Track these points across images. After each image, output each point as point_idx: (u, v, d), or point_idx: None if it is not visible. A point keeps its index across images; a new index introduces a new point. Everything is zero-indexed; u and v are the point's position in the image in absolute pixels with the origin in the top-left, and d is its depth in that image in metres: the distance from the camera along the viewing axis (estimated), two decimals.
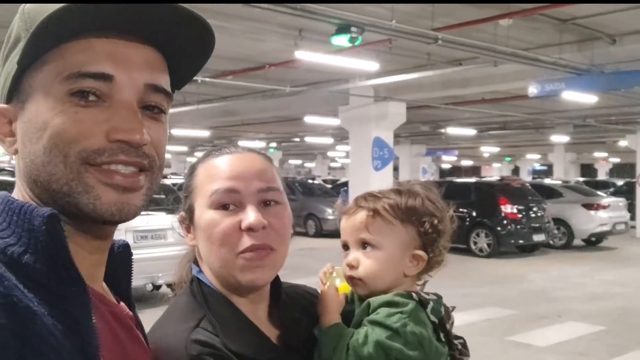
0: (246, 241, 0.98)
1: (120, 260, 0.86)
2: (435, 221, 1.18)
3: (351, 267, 1.16)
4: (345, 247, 1.21)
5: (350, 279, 1.17)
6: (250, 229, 0.98)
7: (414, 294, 1.14)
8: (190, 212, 1.06)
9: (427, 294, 1.17)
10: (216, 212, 1.01)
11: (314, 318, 1.13)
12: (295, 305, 1.14)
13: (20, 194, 0.75)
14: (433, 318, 1.12)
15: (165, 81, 0.77)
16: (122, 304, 0.85)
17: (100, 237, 0.77)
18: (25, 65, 0.71)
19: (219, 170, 1.03)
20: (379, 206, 1.17)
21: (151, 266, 7.39)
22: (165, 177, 19.93)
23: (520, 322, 7.51)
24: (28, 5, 0.75)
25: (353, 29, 7.07)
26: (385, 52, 9.98)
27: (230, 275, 1.01)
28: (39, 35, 0.67)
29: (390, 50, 9.78)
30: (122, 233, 7.43)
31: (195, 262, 1.09)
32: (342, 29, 7.16)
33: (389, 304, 1.11)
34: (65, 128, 0.69)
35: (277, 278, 1.10)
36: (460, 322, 6.67)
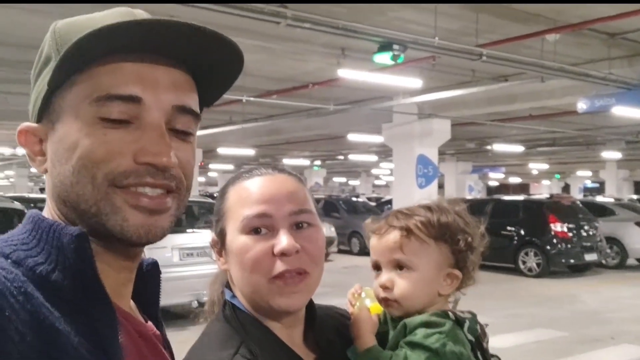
0: (279, 266, 0.97)
1: (148, 279, 0.86)
2: (469, 238, 1.16)
3: (385, 288, 1.14)
4: (377, 267, 1.18)
5: (385, 301, 1.15)
6: (283, 254, 0.97)
7: (449, 313, 1.12)
8: (221, 236, 1.05)
9: (462, 312, 1.15)
10: (248, 237, 0.99)
11: (348, 339, 1.12)
12: (328, 327, 1.13)
13: (49, 212, 0.75)
14: (470, 337, 1.10)
15: (193, 102, 0.77)
16: (149, 323, 0.85)
17: (128, 256, 0.77)
18: (55, 86, 0.72)
19: (250, 193, 1.02)
20: (412, 224, 1.14)
21: (196, 283, 7.48)
22: (212, 195, 20.25)
23: (571, 344, 7.26)
24: (59, 24, 0.76)
25: (395, 46, 7.09)
26: (428, 69, 9.94)
27: (263, 300, 0.99)
28: (68, 58, 0.68)
29: (434, 67, 9.73)
30: (169, 250, 7.57)
31: (228, 286, 1.07)
32: (385, 47, 7.18)
33: (426, 324, 1.09)
34: (93, 149, 0.69)
35: (310, 301, 1.08)
36: (509, 344, 6.49)
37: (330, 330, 1.12)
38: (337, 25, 6.58)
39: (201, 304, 8.24)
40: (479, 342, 1.12)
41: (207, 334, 1.04)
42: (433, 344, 1.05)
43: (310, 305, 1.09)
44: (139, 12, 0.76)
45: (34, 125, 0.76)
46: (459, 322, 1.11)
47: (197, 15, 7.17)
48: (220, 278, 1.11)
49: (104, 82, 0.70)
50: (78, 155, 0.70)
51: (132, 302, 0.83)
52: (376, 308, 1.17)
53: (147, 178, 0.71)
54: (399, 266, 1.15)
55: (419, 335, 1.08)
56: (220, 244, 1.06)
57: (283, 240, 0.97)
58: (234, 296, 1.05)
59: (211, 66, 0.78)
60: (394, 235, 1.15)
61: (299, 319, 1.07)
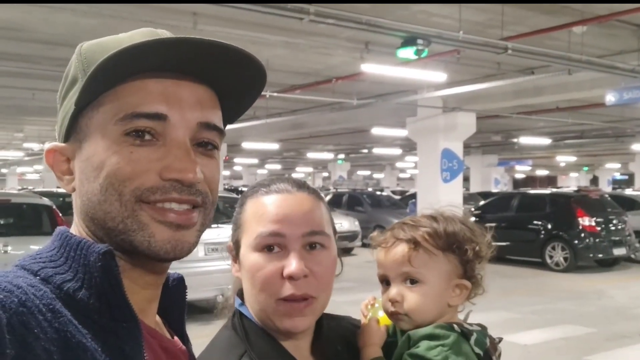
0: (287, 289, 0.98)
1: (174, 294, 0.86)
2: (477, 247, 1.15)
3: (395, 302, 1.13)
4: (385, 280, 1.17)
5: (394, 315, 1.14)
6: (291, 277, 0.97)
7: (455, 326, 1.11)
8: (237, 246, 1.06)
9: (471, 324, 1.14)
10: (260, 254, 1.00)
11: (356, 350, 1.12)
12: (337, 338, 1.13)
13: (77, 230, 0.77)
14: (477, 350, 1.09)
15: (217, 118, 0.78)
16: (175, 338, 0.85)
17: (155, 272, 0.78)
18: (82, 106, 0.74)
19: (266, 211, 1.02)
20: (419, 236, 1.13)
21: (221, 278, 7.54)
22: (237, 189, 20.38)
23: (599, 341, 7.16)
24: (85, 45, 0.77)
25: (419, 41, 7.04)
26: (453, 62, 9.86)
27: (269, 319, 1.01)
28: (95, 77, 0.70)
29: (459, 60, 9.65)
30: None
31: (239, 294, 1.09)
32: (408, 41, 7.14)
33: (429, 336, 1.09)
34: (120, 167, 0.71)
35: None
36: (536, 340, 6.44)
37: (338, 341, 1.13)
38: (361, 20, 6.55)
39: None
40: (488, 356, 1.11)
41: (214, 341, 1.06)
42: (435, 356, 1.06)
43: (319, 317, 1.09)
44: (162, 32, 0.78)
45: (62, 144, 0.77)
46: (464, 334, 1.10)
47: (223, 13, 7.22)
48: (236, 284, 1.12)
49: (130, 101, 0.72)
50: (105, 173, 0.71)
51: (158, 318, 0.84)
52: (386, 319, 1.17)
53: (173, 194, 0.72)
54: (408, 279, 1.14)
55: (422, 347, 1.08)
56: (235, 252, 1.08)
57: (292, 263, 0.98)
58: (242, 304, 1.07)
59: (234, 83, 0.79)
60: (402, 248, 1.14)
61: (307, 331, 1.07)
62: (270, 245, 1.00)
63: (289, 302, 0.98)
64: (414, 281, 1.13)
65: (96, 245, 0.71)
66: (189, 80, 0.75)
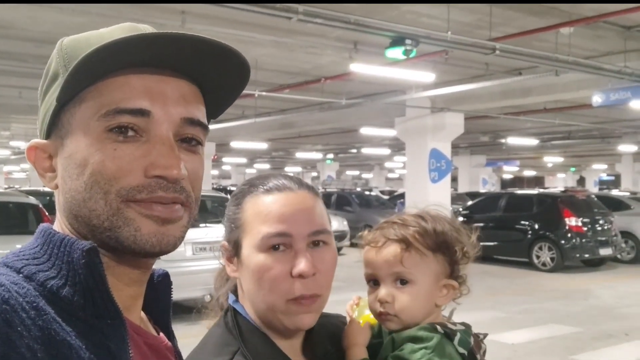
0: (297, 289, 0.98)
1: (159, 290, 0.86)
2: (465, 248, 1.15)
3: (384, 302, 1.12)
4: (372, 280, 1.16)
5: (382, 315, 1.13)
6: (301, 276, 0.98)
7: (438, 327, 1.10)
8: (236, 246, 1.05)
9: (454, 324, 1.14)
10: (266, 255, 0.99)
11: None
12: (328, 336, 1.13)
13: (60, 227, 0.76)
14: (462, 350, 1.09)
15: (201, 113, 0.77)
16: (161, 334, 0.85)
17: (140, 269, 0.77)
18: (63, 102, 0.73)
19: (270, 210, 1.01)
20: (410, 236, 1.12)
21: (209, 278, 7.43)
22: (225, 189, 20.30)
23: (585, 340, 7.22)
24: (66, 41, 0.76)
25: (407, 41, 7.05)
26: (441, 62, 9.89)
27: (276, 318, 1.01)
28: (76, 74, 0.69)
29: (447, 61, 9.68)
30: (182, 245, 7.58)
31: (232, 291, 1.08)
32: (397, 41, 7.15)
33: (413, 339, 1.09)
34: (105, 165, 0.70)
35: None
36: (522, 339, 6.47)
37: (329, 339, 1.13)
38: (349, 20, 6.56)
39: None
40: (472, 355, 1.11)
41: (206, 339, 1.05)
42: (418, 359, 1.05)
43: None
44: (144, 27, 0.77)
45: (43, 141, 0.76)
46: (448, 335, 1.10)
47: (211, 11, 7.19)
48: (223, 276, 1.11)
49: (112, 97, 0.71)
50: (90, 171, 0.70)
51: (143, 314, 0.83)
52: (371, 319, 1.16)
53: (158, 192, 0.71)
54: (399, 280, 1.13)
55: (406, 350, 1.08)
56: (232, 253, 1.06)
57: (301, 262, 0.98)
58: (236, 301, 1.06)
59: (218, 77, 0.78)
60: (394, 249, 1.13)
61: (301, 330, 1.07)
62: (276, 245, 0.99)
63: (299, 302, 0.99)
64: (404, 281, 1.12)
65: (80, 242, 0.70)
66: (171, 76, 0.74)
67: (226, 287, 1.12)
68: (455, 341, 1.09)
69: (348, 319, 1.19)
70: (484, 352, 1.15)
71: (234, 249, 1.05)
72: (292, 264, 0.99)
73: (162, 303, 0.87)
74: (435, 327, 1.10)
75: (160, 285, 0.86)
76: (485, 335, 1.17)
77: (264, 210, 1.01)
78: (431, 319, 1.13)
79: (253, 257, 1.00)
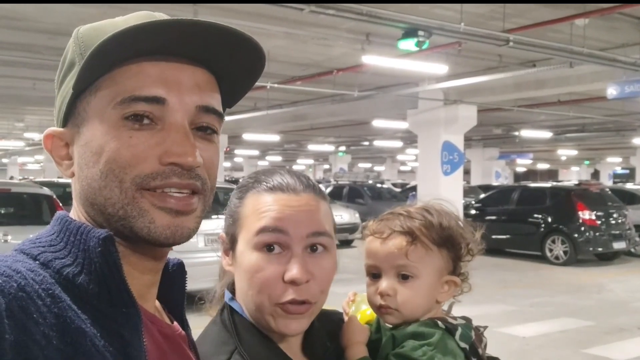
0: (288, 294, 0.95)
1: (174, 279, 0.86)
2: (471, 244, 1.14)
3: (385, 295, 1.10)
4: (373, 272, 1.13)
5: (383, 308, 1.11)
6: (293, 282, 0.95)
7: (439, 322, 1.08)
8: (232, 240, 1.03)
9: (455, 318, 1.12)
10: (260, 254, 0.96)
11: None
12: (327, 334, 1.11)
13: (76, 215, 0.76)
14: (463, 345, 1.07)
15: (216, 101, 0.77)
16: (175, 323, 0.85)
17: (154, 258, 0.77)
18: (79, 90, 0.73)
19: (269, 208, 0.98)
20: (416, 229, 1.10)
21: None
22: (237, 181, 20.32)
23: (597, 334, 7.18)
24: (82, 29, 0.77)
25: (420, 32, 7.01)
26: (454, 54, 9.83)
27: (264, 320, 0.98)
28: (92, 62, 0.69)
29: (460, 52, 9.62)
30: (194, 236, 7.65)
31: (229, 287, 1.06)
32: (409, 33, 7.11)
33: (414, 335, 1.07)
34: (120, 152, 0.70)
35: None
36: (534, 333, 6.43)
37: (329, 337, 1.11)
38: (361, 11, 6.52)
39: None
40: (473, 349, 1.09)
41: (203, 337, 1.03)
42: (421, 356, 1.03)
43: None
44: (159, 15, 0.76)
45: (60, 129, 0.77)
46: (449, 330, 1.08)
47: (222, 3, 7.19)
48: (227, 277, 1.08)
49: (128, 84, 0.71)
50: (105, 159, 0.70)
51: (157, 303, 0.84)
52: (369, 315, 1.14)
53: (173, 178, 0.71)
54: (401, 273, 1.11)
55: (407, 347, 1.06)
56: (229, 246, 1.04)
57: (294, 268, 0.95)
58: (233, 298, 1.04)
59: (233, 65, 0.78)
60: (400, 241, 1.10)
61: None
62: (271, 245, 0.96)
63: (288, 307, 0.95)
64: (406, 275, 1.10)
65: (96, 230, 0.70)
66: (186, 63, 0.74)
67: (224, 279, 1.09)
68: (457, 336, 1.07)
69: (345, 315, 1.16)
70: (485, 345, 1.13)
71: (230, 242, 1.03)
72: (285, 267, 0.95)
73: (176, 292, 0.87)
74: (437, 323, 1.08)
75: (175, 274, 0.86)
76: (485, 327, 1.15)
77: (263, 208, 0.99)
78: (431, 315, 1.12)
79: (246, 255, 0.98)
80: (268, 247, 0.96)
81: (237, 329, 1.00)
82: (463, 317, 1.13)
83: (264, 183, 1.02)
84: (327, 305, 1.13)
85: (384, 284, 1.11)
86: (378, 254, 1.12)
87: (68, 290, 0.66)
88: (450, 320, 1.10)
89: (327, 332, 1.11)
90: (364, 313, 1.15)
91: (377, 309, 1.12)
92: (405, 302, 1.10)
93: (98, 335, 0.65)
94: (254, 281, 0.96)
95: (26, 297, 0.61)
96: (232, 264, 1.03)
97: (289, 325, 0.97)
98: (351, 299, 1.19)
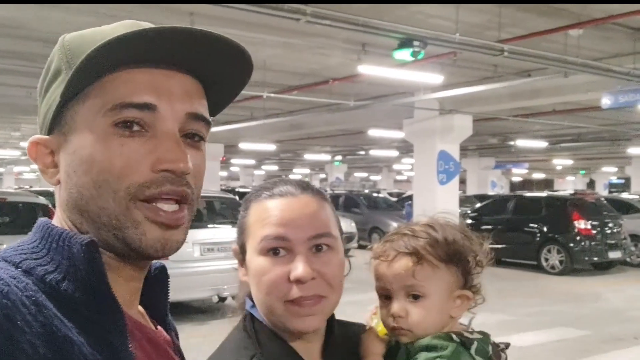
0: (295, 292, 0.97)
1: (156, 283, 0.86)
2: (478, 257, 1.13)
3: (398, 317, 1.10)
4: (384, 294, 1.13)
5: (396, 329, 1.11)
6: (298, 281, 0.97)
7: (454, 335, 1.08)
8: (242, 250, 1.06)
9: (472, 333, 1.11)
10: (265, 258, 0.99)
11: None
12: (348, 344, 1.12)
13: (59, 222, 0.76)
14: (479, 359, 1.06)
15: (204, 109, 0.78)
16: (159, 328, 0.85)
17: (140, 267, 0.78)
18: (67, 99, 0.73)
19: (271, 215, 1.01)
20: (420, 248, 1.09)
21: (217, 278, 7.53)
22: (233, 190, 20.36)
23: (594, 343, 7.18)
24: (68, 37, 0.77)
25: (416, 42, 7.04)
26: (450, 64, 9.87)
27: (279, 321, 1.00)
28: (82, 70, 0.69)
29: (455, 62, 9.66)
30: (190, 245, 7.62)
31: (250, 296, 1.08)
32: (405, 43, 7.14)
33: (427, 347, 1.07)
34: (113, 162, 0.70)
35: (331, 315, 1.07)
36: (531, 343, 6.43)
37: (349, 346, 1.11)
38: (357, 21, 6.55)
39: (222, 299, 8.31)
40: None
41: (225, 343, 1.06)
42: None
43: (331, 320, 1.09)
44: (145, 24, 0.77)
45: (45, 137, 0.76)
46: (464, 344, 1.07)
47: (220, 13, 7.21)
48: (244, 286, 1.11)
49: (118, 92, 0.71)
50: (98, 168, 0.70)
51: (140, 308, 0.84)
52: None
53: (166, 185, 0.71)
54: (411, 293, 1.10)
55: (420, 359, 1.06)
56: (241, 257, 1.07)
57: (299, 267, 0.97)
58: (253, 306, 1.06)
59: (220, 72, 0.78)
60: (405, 262, 1.10)
61: (319, 334, 1.06)
62: (276, 249, 0.99)
63: (299, 303, 0.97)
64: (417, 295, 1.10)
65: (79, 236, 0.70)
66: (176, 71, 0.74)
67: (243, 290, 1.12)
68: (472, 350, 1.06)
69: (367, 327, 1.16)
70: None
71: (242, 254, 1.06)
72: (290, 268, 0.98)
73: (159, 296, 0.87)
74: (451, 336, 1.07)
75: (157, 278, 0.86)
76: (508, 345, 1.14)
77: (264, 215, 1.02)
78: (447, 329, 1.10)
79: (254, 261, 1.01)
80: (273, 251, 0.99)
81: (258, 335, 1.02)
82: (481, 332, 1.12)
83: (265, 192, 1.06)
84: (348, 317, 1.14)
85: (395, 306, 1.10)
86: (386, 276, 1.11)
87: (52, 298, 0.65)
88: (466, 334, 1.10)
89: (348, 341, 1.12)
90: (381, 328, 1.15)
91: (391, 330, 1.12)
92: (417, 323, 1.09)
93: (85, 343, 0.64)
94: (262, 284, 0.99)
95: (11, 305, 0.60)
96: (246, 273, 1.05)
97: (305, 322, 0.98)
98: (373, 312, 1.18)
